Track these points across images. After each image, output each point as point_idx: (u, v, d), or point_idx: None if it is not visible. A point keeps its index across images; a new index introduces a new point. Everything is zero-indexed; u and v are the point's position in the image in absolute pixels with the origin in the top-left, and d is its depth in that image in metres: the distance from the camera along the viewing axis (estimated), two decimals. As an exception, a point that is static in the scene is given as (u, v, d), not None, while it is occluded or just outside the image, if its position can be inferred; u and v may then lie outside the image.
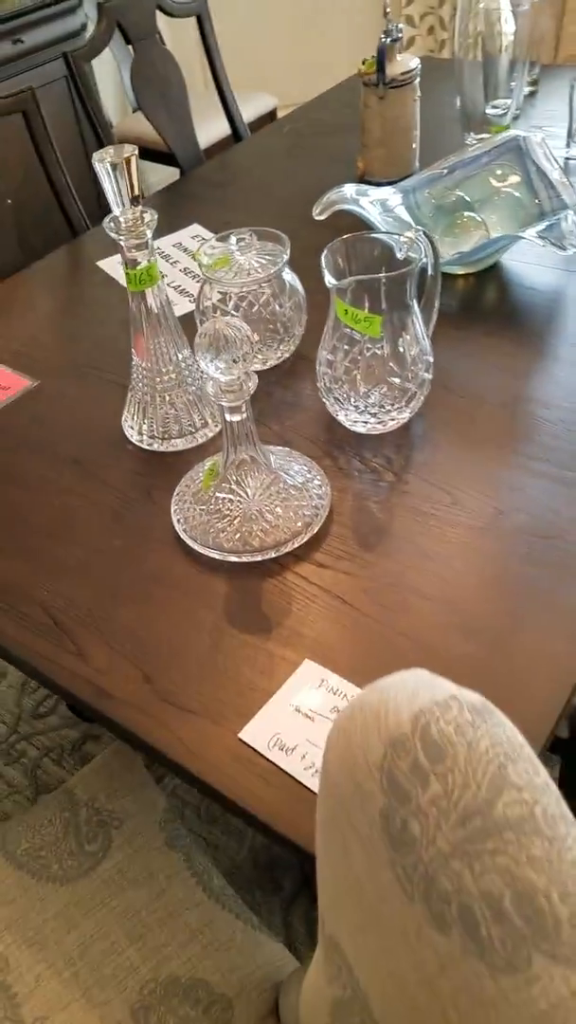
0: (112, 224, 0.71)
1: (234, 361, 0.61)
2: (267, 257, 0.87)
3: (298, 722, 0.57)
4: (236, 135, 1.70)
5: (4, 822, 0.80)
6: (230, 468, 0.69)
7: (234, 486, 0.70)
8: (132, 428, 0.83)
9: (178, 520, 0.72)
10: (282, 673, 0.60)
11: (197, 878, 0.73)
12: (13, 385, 0.96)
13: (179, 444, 0.82)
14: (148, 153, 2.18)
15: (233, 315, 0.86)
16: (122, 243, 0.72)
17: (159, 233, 1.24)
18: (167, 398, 0.81)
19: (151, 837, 0.76)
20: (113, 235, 0.71)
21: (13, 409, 0.92)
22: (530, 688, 0.57)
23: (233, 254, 0.87)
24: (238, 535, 0.69)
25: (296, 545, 0.69)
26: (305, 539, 0.70)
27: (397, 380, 0.77)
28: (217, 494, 0.70)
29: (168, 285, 1.12)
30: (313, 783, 0.54)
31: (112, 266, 1.19)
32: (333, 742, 0.35)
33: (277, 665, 0.61)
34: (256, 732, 0.57)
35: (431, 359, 0.79)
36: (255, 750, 0.56)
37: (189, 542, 0.70)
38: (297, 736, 0.56)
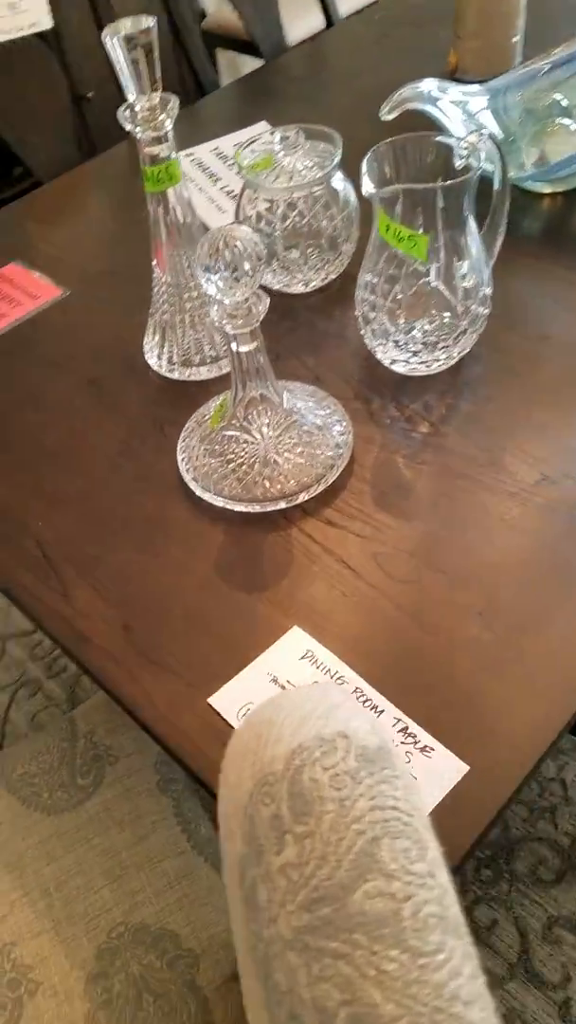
0: (127, 113, 0.63)
1: (236, 279, 0.53)
2: (316, 159, 0.77)
3: (272, 693, 0.51)
4: (330, 26, 1.54)
5: (9, 747, 0.79)
6: (239, 407, 0.63)
7: (242, 427, 0.63)
8: (152, 352, 0.77)
9: (183, 460, 0.67)
10: (267, 638, 0.55)
11: (183, 826, 0.71)
12: (43, 294, 0.90)
13: (203, 372, 0.76)
14: (242, 45, 2.03)
15: (260, 229, 0.77)
16: (138, 135, 0.64)
17: (221, 130, 1.14)
18: (191, 319, 0.74)
19: (144, 778, 0.75)
20: (128, 126, 0.63)
21: (39, 320, 0.87)
22: (540, 689, 0.50)
23: (276, 155, 0.77)
24: (243, 482, 0.63)
25: (305, 498, 0.63)
26: (317, 492, 0.63)
27: (447, 315, 0.67)
28: (224, 434, 0.64)
29: (221, 190, 1.03)
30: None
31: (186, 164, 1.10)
32: (227, 753, 0.29)
33: (263, 628, 0.56)
34: (227, 699, 0.52)
35: (489, 291, 0.69)
36: (222, 717, 0.51)
37: (191, 485, 0.65)
38: (270, 712, 0.51)
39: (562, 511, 0.60)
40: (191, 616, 0.58)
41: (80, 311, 0.87)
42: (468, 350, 0.71)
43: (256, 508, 0.63)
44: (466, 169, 0.64)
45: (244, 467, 0.63)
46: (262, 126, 1.14)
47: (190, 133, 1.17)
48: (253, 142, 0.80)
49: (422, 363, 0.71)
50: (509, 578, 0.56)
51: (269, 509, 0.63)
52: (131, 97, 0.62)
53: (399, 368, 0.72)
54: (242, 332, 0.58)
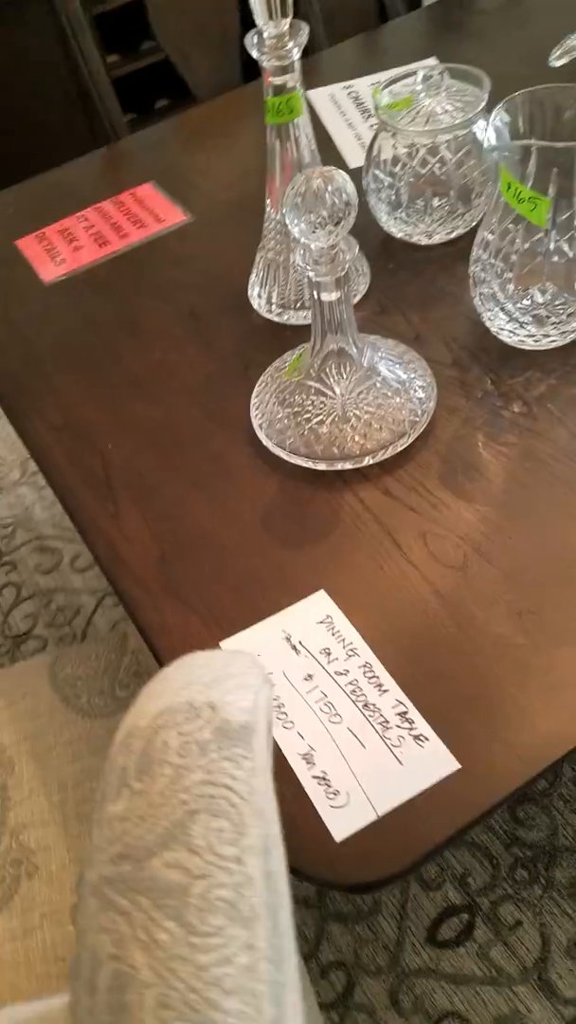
0: (254, 39, 0.60)
1: (322, 224, 0.51)
2: (460, 103, 0.72)
3: (282, 651, 0.51)
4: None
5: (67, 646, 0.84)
6: (316, 358, 0.61)
7: (317, 380, 0.61)
8: (255, 291, 0.76)
9: (255, 404, 0.65)
10: (292, 596, 0.54)
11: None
12: (168, 218, 0.91)
13: (301, 317, 0.74)
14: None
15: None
16: (264, 64, 0.61)
17: (390, 62, 1.09)
18: (298, 261, 0.72)
19: (179, 704, 0.77)
20: (254, 52, 0.60)
21: (158, 244, 0.87)
22: (558, 706, 0.47)
23: (418, 95, 0.72)
24: (307, 437, 0.61)
25: (369, 462, 0.61)
26: (382, 458, 0.61)
27: (564, 290, 0.62)
28: (298, 385, 0.62)
29: (372, 128, 0.98)
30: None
31: (322, 98, 1.06)
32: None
33: (291, 585, 0.55)
34: (237, 647, 0.52)
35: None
36: (229, 670, 0.51)
37: (258, 431, 0.64)
38: (275, 664, 0.51)
39: None
40: (225, 559, 0.58)
41: (198, 239, 0.86)
42: (572, 336, 0.65)
43: (317, 465, 0.61)
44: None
45: (313, 422, 0.61)
46: (430, 62, 1.07)
47: (355, 63, 1.12)
48: (396, 81, 0.75)
49: (530, 336, 0.66)
50: (562, 584, 0.52)
51: (328, 468, 0.61)
52: (260, 22, 0.59)
53: (506, 338, 0.67)
54: (326, 280, 0.55)
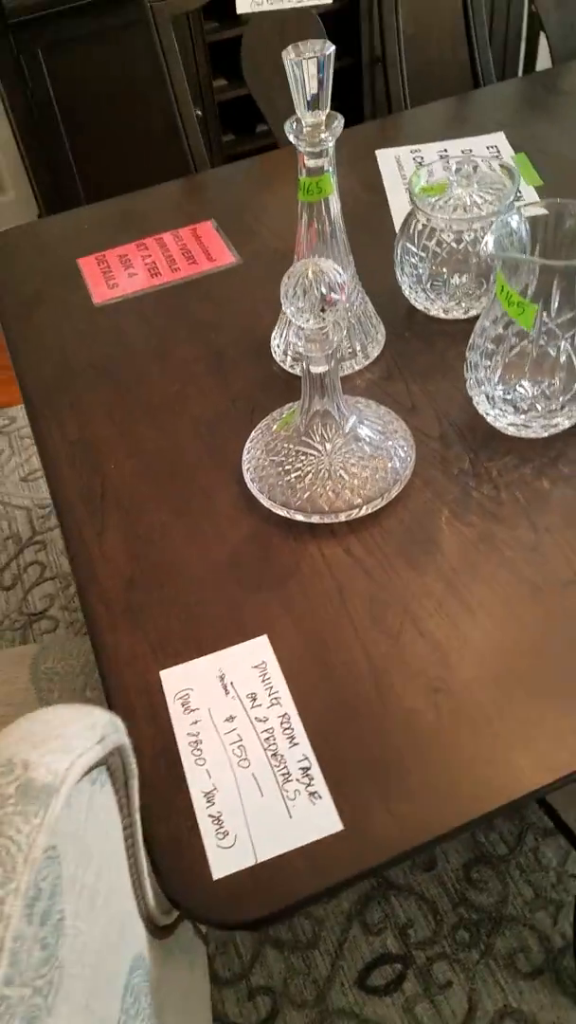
0: (293, 126, 0.66)
1: (309, 310, 0.56)
2: (490, 193, 0.76)
3: (213, 689, 0.55)
4: None
5: (53, 635, 0.89)
6: (304, 417, 0.65)
7: (303, 438, 0.66)
8: (276, 343, 0.80)
9: (247, 449, 0.70)
10: (238, 635, 0.59)
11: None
12: (219, 258, 0.97)
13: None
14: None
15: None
16: (300, 148, 0.66)
17: (467, 130, 1.12)
18: (315, 320, 0.77)
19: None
20: (291, 138, 0.66)
21: (204, 282, 0.93)
22: (449, 789, 0.50)
23: (451, 184, 0.76)
24: (283, 485, 0.66)
25: (335, 520, 0.65)
26: (349, 517, 0.65)
27: (549, 385, 0.65)
28: (285, 440, 0.67)
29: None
30: (186, 750, 0.53)
31: (388, 159, 1.11)
32: None
33: (238, 625, 0.59)
34: (173, 679, 0.57)
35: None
36: (163, 693, 0.56)
37: (244, 473, 0.69)
38: (204, 700, 0.55)
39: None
40: (186, 591, 0.62)
41: (241, 283, 0.92)
42: (566, 427, 0.68)
43: (290, 514, 0.65)
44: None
45: (293, 474, 0.66)
46: (497, 138, 1.11)
47: (431, 127, 1.16)
48: (435, 162, 0.79)
49: (512, 424, 0.69)
50: (485, 671, 0.55)
51: (298, 518, 0.65)
52: (299, 112, 0.64)
53: (491, 421, 0.70)
54: (315, 355, 0.60)
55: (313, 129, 0.65)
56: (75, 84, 1.78)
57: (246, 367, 0.81)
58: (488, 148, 1.10)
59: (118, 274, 0.97)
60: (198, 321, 0.88)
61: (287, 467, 0.66)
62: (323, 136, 0.65)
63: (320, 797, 0.50)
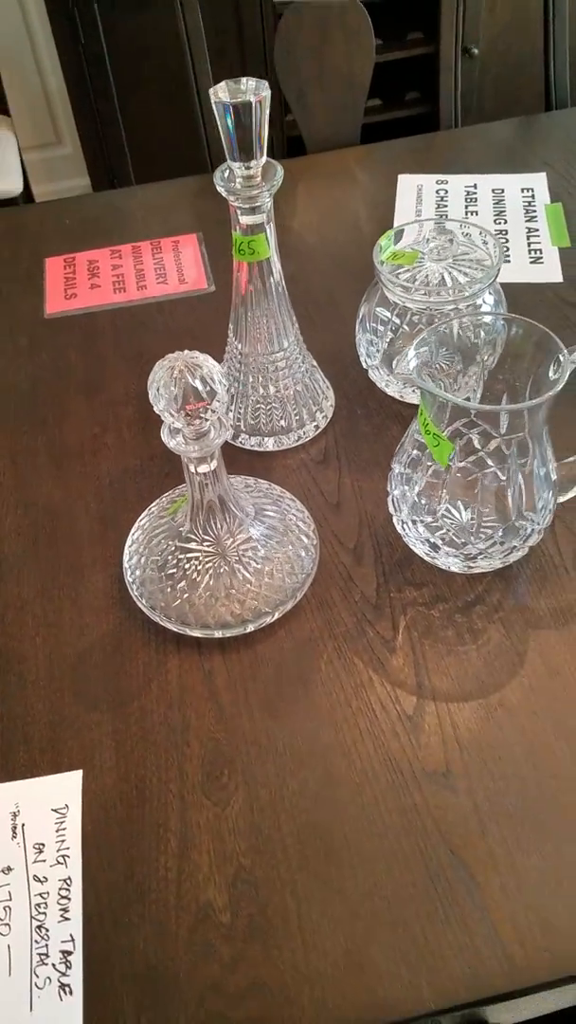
0: (225, 173, 0.56)
1: (185, 412, 0.47)
2: (465, 272, 0.65)
3: (1, 828, 0.49)
4: None
5: None
6: (188, 510, 0.56)
7: (183, 532, 0.57)
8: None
9: (134, 529, 0.62)
10: (54, 763, 0.51)
11: None
12: (192, 282, 0.87)
13: (252, 443, 0.69)
14: None
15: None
16: (231, 202, 0.57)
17: (507, 163, 1.00)
18: (256, 390, 0.67)
19: None
20: (220, 188, 0.56)
21: (166, 307, 0.85)
22: (221, 999, 0.42)
23: (423, 257, 0.66)
24: (155, 584, 0.58)
25: (206, 635, 0.56)
26: (219, 636, 0.56)
27: (472, 514, 0.55)
28: (166, 534, 0.59)
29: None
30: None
31: (408, 186, 0.99)
32: None
33: (59, 749, 0.52)
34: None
35: (538, 526, 0.55)
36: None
37: (124, 558, 0.61)
38: (-12, 842, 0.48)
39: (414, 809, 0.47)
40: (17, 693, 0.55)
41: (207, 315, 0.83)
42: (478, 570, 0.57)
43: (158, 618, 0.57)
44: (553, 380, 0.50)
45: (169, 570, 0.58)
46: (537, 180, 0.98)
47: (470, 155, 1.04)
48: (410, 224, 0.68)
49: (425, 553, 0.59)
50: (306, 869, 0.47)
51: (167, 625, 0.57)
52: (228, 159, 0.54)
53: (410, 544, 0.60)
54: (192, 456, 0.51)
55: (245, 181, 0.55)
56: (130, 45, 1.68)
57: (176, 420, 0.73)
58: (523, 191, 0.97)
59: (80, 283, 0.89)
60: (144, 353, 0.79)
61: (165, 562, 0.58)
62: (258, 191, 0.55)
63: (71, 993, 0.43)
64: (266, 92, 0.51)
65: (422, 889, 0.45)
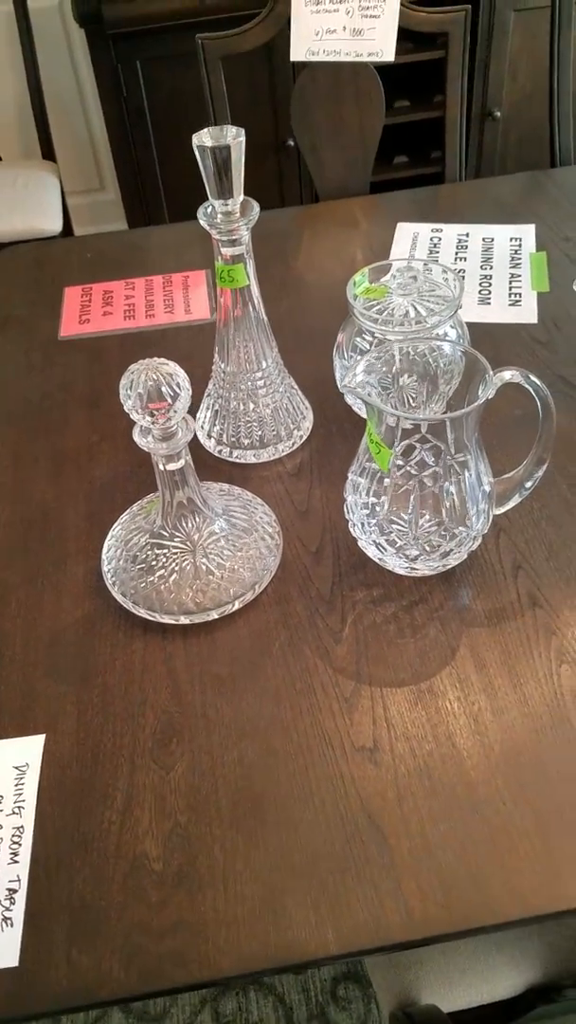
0: (207, 211, 0.63)
1: (141, 408, 0.53)
2: (429, 305, 0.71)
3: (-32, 779, 0.54)
4: None
5: None
6: (160, 507, 0.62)
7: (156, 528, 0.63)
8: (203, 420, 0.78)
9: (114, 526, 0.68)
10: (22, 727, 0.57)
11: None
12: (196, 312, 0.95)
13: (235, 456, 0.75)
14: None
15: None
16: (213, 235, 0.64)
17: (497, 214, 1.07)
18: (241, 406, 0.74)
19: None
20: (203, 222, 0.63)
21: (170, 334, 0.92)
22: (146, 943, 0.46)
23: (392, 292, 0.72)
24: (129, 574, 0.63)
25: (170, 621, 0.62)
26: (184, 623, 0.62)
27: (416, 520, 0.59)
28: (140, 531, 0.65)
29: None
30: None
31: (405, 233, 1.06)
32: None
33: (27, 715, 0.57)
34: None
35: (472, 533, 0.59)
36: None
37: (103, 551, 0.67)
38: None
39: (349, 803, 0.52)
40: (8, 672, 0.61)
41: (207, 342, 0.90)
42: (419, 572, 0.62)
43: (127, 605, 0.63)
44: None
45: (139, 565, 0.63)
46: (525, 231, 1.04)
47: (467, 206, 1.11)
48: (380, 264, 0.74)
49: (375, 555, 0.63)
50: (240, 830, 0.51)
51: (137, 612, 0.62)
52: (211, 197, 0.62)
53: (363, 546, 0.65)
54: (162, 453, 0.57)
55: (226, 217, 0.62)
56: (170, 99, 1.80)
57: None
58: (512, 240, 1.04)
59: (94, 310, 0.97)
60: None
61: (137, 555, 0.64)
62: (236, 225, 0.62)
63: (11, 925, 0.47)
64: (242, 138, 0.59)
65: (338, 848, 0.49)
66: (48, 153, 1.90)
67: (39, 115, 1.86)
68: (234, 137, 0.58)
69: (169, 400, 0.53)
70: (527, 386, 0.57)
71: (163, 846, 0.50)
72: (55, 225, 1.71)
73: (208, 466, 0.75)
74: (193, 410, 0.78)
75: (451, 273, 0.71)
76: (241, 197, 0.62)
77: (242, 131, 0.59)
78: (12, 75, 1.96)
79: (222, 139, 0.58)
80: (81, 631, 0.63)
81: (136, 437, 0.57)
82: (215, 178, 0.60)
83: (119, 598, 0.63)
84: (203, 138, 0.59)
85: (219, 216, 0.62)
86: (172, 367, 0.53)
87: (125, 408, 0.54)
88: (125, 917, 0.48)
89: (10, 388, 0.87)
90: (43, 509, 0.73)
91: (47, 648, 0.62)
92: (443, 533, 0.59)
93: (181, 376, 0.54)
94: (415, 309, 0.71)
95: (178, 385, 0.53)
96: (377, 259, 1.02)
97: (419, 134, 2.02)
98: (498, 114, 2.01)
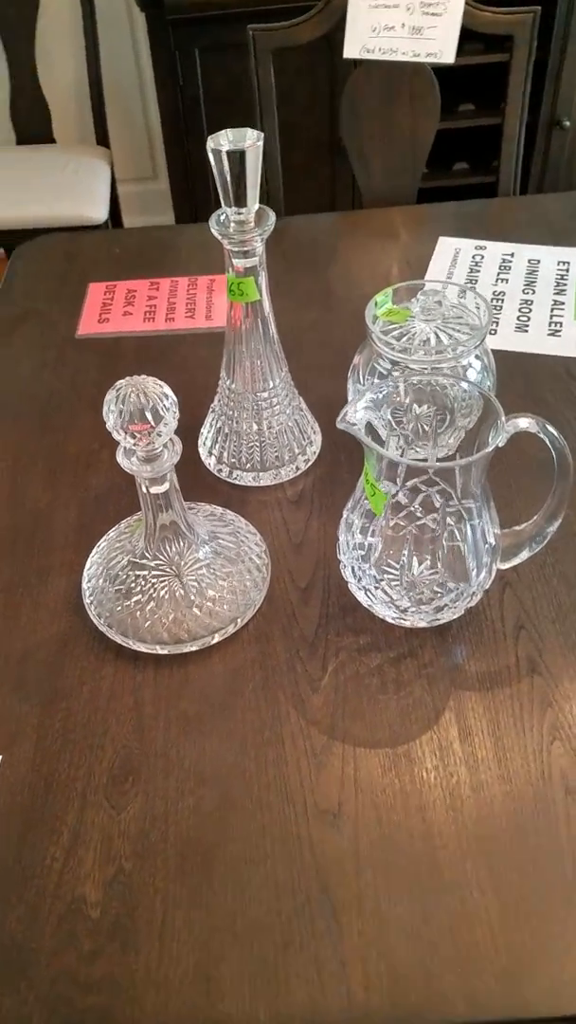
0: (220, 219, 0.60)
1: (123, 428, 0.50)
2: (452, 334, 0.67)
3: None
4: None
5: None
6: (143, 529, 0.60)
7: (138, 550, 0.61)
8: (204, 437, 0.75)
9: (99, 543, 0.66)
10: (-23, 746, 0.55)
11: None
12: (216, 319, 0.92)
13: (234, 476, 0.72)
14: None
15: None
16: (225, 244, 0.61)
17: (548, 234, 1.02)
18: (245, 426, 0.71)
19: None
20: (215, 230, 0.60)
21: (188, 339, 0.89)
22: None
23: (415, 315, 0.68)
24: (107, 596, 0.61)
25: (144, 650, 0.59)
26: (159, 652, 0.59)
27: (409, 569, 0.56)
28: (122, 550, 0.62)
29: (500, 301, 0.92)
30: None
31: (447, 248, 1.02)
32: None
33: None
34: None
35: (470, 589, 0.55)
36: None
37: (85, 568, 0.64)
38: None
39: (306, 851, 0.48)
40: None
41: (219, 350, 0.87)
42: (408, 623, 0.58)
43: (102, 627, 0.60)
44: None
45: (116, 587, 0.61)
46: (566, 253, 0.99)
47: (516, 224, 1.06)
48: (402, 285, 0.70)
49: (364, 599, 0.60)
50: (184, 889, 0.48)
51: (112, 636, 0.60)
52: (224, 204, 0.59)
53: (353, 589, 0.62)
54: (146, 475, 0.55)
55: (239, 226, 0.59)
56: (226, 91, 1.77)
57: (170, 445, 0.76)
58: (559, 263, 0.98)
59: (115, 309, 0.94)
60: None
61: (117, 576, 0.61)
62: (249, 236, 0.59)
63: None
64: (260, 142, 0.55)
65: (285, 918, 0.46)
66: (103, 139, 1.88)
67: (96, 100, 1.84)
68: (252, 141, 0.55)
69: (152, 423, 0.50)
70: (543, 437, 0.53)
71: (103, 892, 0.48)
72: (100, 213, 1.69)
73: (207, 485, 0.72)
74: (198, 425, 0.76)
75: (483, 302, 0.66)
76: (256, 205, 0.59)
77: (261, 135, 0.56)
78: (73, 59, 1.94)
79: (240, 143, 0.55)
80: (53, 649, 0.61)
81: (119, 458, 0.54)
82: (229, 183, 0.57)
83: (95, 620, 0.61)
84: (220, 141, 0.56)
85: (232, 225, 0.59)
86: (160, 388, 0.51)
87: (107, 427, 0.51)
88: (54, 963, 0.45)
89: (20, 385, 0.85)
90: (35, 515, 0.71)
91: (17, 663, 0.60)
92: (439, 586, 0.55)
93: (169, 399, 0.51)
94: (437, 336, 0.67)
95: (164, 408, 0.50)
96: (413, 274, 0.98)
97: (482, 140, 1.95)
98: (567, 123, 1.94)
